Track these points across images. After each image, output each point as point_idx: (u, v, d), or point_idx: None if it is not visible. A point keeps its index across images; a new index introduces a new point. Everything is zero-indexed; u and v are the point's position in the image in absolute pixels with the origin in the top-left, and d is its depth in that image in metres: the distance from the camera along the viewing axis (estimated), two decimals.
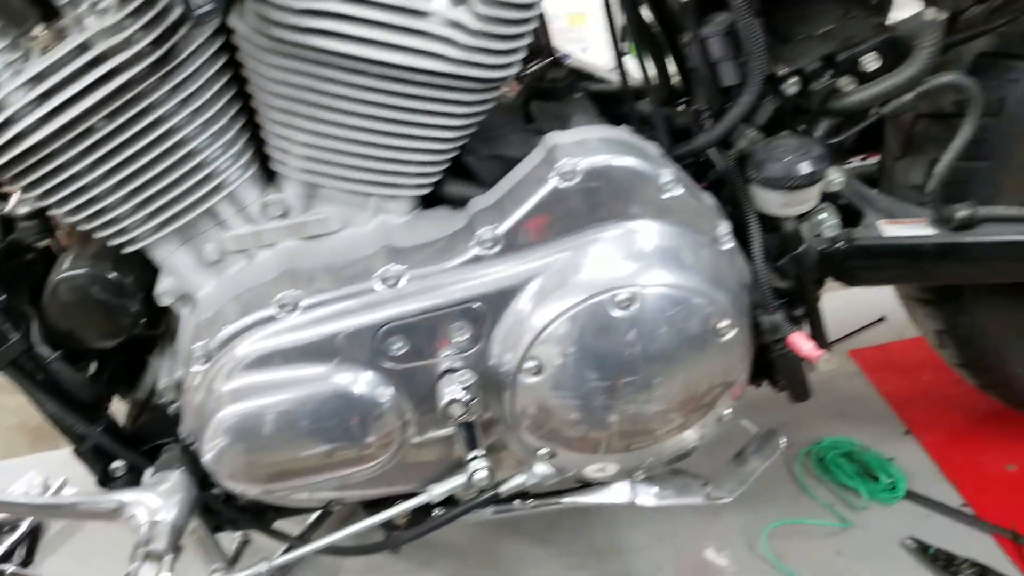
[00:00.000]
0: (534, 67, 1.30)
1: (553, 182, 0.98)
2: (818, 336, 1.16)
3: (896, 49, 1.06)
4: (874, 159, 1.34)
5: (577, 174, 0.97)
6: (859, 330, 1.82)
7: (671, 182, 0.99)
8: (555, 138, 1.02)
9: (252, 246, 1.06)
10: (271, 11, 0.91)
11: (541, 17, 1.24)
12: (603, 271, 0.97)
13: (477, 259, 0.99)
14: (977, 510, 1.40)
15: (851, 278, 1.15)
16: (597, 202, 0.98)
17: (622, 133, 1.04)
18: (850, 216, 1.16)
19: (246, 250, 1.06)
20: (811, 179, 1.01)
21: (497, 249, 0.99)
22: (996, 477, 1.45)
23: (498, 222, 0.99)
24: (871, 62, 1.05)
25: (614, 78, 1.20)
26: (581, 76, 1.34)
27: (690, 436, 1.11)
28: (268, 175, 1.05)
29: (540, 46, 1.31)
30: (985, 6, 1.02)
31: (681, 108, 1.21)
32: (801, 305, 1.12)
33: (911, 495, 1.43)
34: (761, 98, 1.06)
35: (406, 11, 0.93)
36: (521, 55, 0.99)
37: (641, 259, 0.98)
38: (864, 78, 1.06)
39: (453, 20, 0.94)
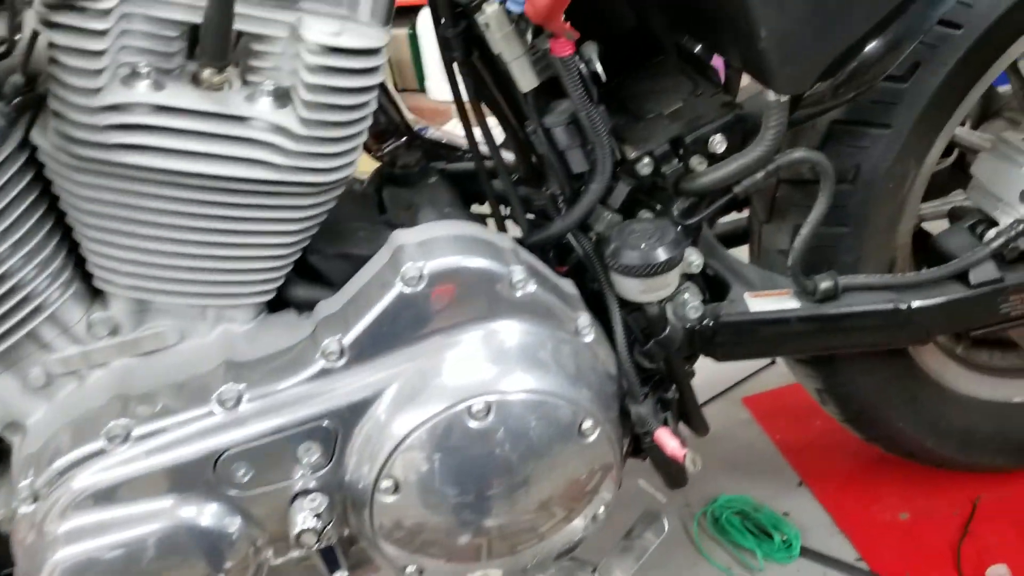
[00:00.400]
0: (389, 147, 1.25)
1: (398, 288, 0.92)
2: (693, 415, 1.13)
3: (744, 127, 1.04)
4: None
5: (423, 279, 0.92)
6: (749, 376, 1.83)
7: (523, 279, 0.95)
8: (400, 238, 0.97)
9: (82, 367, 0.98)
10: (73, 129, 0.84)
11: (388, 96, 1.20)
12: (455, 380, 0.92)
13: (324, 372, 0.93)
14: (871, 563, 1.39)
15: (720, 354, 1.12)
16: (447, 305, 0.93)
17: (471, 228, 1.00)
18: (716, 288, 1.14)
19: (76, 371, 0.98)
20: (668, 265, 0.98)
21: (344, 361, 0.93)
22: (889, 526, 1.45)
23: (343, 331, 0.93)
24: (718, 143, 1.03)
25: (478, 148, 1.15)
26: (440, 151, 1.30)
27: (577, 525, 1.06)
28: (94, 291, 0.97)
29: (395, 124, 1.26)
30: (829, 83, 1.00)
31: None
32: (672, 385, 1.09)
33: (806, 552, 1.42)
34: (613, 182, 1.02)
35: (224, 117, 0.87)
36: (356, 155, 0.94)
37: (496, 363, 0.93)
38: (714, 158, 1.04)
39: (277, 125, 0.88)
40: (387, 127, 1.23)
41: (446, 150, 1.31)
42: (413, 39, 3.14)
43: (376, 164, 1.26)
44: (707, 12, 0.99)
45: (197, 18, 0.85)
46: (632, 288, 1.01)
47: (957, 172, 1.42)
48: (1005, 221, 1.16)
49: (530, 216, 1.14)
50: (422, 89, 3.21)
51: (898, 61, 1.01)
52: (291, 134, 0.88)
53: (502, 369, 0.93)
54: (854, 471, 1.56)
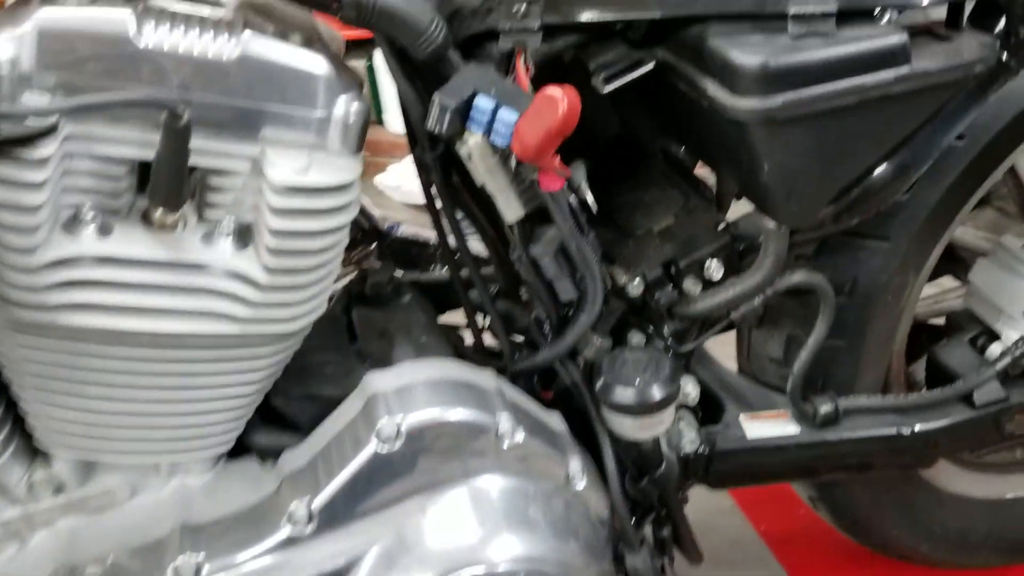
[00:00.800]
0: (359, 254, 1.17)
1: (373, 446, 0.84)
2: (686, 542, 1.06)
3: (740, 246, 0.98)
4: None
5: (400, 436, 0.84)
6: None
7: (510, 429, 0.87)
8: (374, 383, 0.89)
9: (24, 529, 0.88)
10: (8, 290, 0.75)
11: (362, 208, 1.12)
12: (437, 548, 0.84)
13: (291, 541, 0.84)
14: None
15: (715, 483, 1.06)
16: (427, 463, 0.85)
17: (450, 368, 0.92)
18: (709, 406, 1.07)
19: (17, 533, 0.89)
20: (665, 403, 0.91)
21: (312, 527, 0.84)
22: None
23: (312, 493, 0.85)
24: (715, 269, 0.97)
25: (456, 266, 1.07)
26: (412, 250, 1.22)
27: None
28: (35, 448, 0.88)
29: (363, 229, 1.18)
30: (832, 208, 0.94)
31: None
32: (667, 518, 1.02)
33: None
34: (603, 307, 0.95)
35: (179, 266, 0.79)
36: (324, 297, 0.86)
37: (482, 526, 0.85)
38: (709, 283, 0.98)
39: (237, 272, 0.80)
40: (355, 233, 1.15)
41: (418, 248, 1.24)
42: (371, 71, 3.04)
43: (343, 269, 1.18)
44: (708, 141, 0.93)
45: (148, 155, 0.76)
46: (626, 426, 0.94)
47: (945, 261, 1.38)
48: (1008, 335, 1.12)
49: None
50: (380, 122, 3.11)
51: (905, 188, 0.96)
52: (253, 283, 0.80)
53: (488, 532, 0.85)
54: (843, 567, 1.50)
